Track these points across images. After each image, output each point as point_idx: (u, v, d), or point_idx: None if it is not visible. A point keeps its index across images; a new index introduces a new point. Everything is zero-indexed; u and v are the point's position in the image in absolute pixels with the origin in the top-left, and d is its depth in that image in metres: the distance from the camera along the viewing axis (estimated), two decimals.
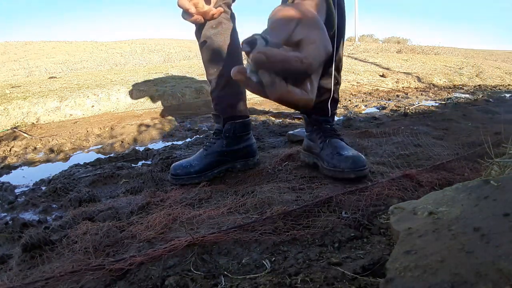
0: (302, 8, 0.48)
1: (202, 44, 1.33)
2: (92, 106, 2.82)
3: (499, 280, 0.31)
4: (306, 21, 0.46)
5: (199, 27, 1.30)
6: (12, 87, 3.14)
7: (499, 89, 4.15)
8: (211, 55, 1.33)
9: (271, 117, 2.52)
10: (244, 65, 0.45)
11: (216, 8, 1.02)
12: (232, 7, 1.36)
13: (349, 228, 0.86)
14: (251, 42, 0.43)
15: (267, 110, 2.82)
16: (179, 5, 0.96)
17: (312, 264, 0.72)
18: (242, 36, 1.39)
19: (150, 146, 1.95)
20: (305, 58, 0.41)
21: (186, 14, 0.98)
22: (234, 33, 1.34)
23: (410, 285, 0.36)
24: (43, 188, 1.34)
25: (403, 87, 4.18)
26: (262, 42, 0.44)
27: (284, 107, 2.92)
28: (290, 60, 0.40)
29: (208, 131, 2.21)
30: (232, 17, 1.34)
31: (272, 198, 1.04)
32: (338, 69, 1.30)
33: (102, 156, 1.72)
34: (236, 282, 0.68)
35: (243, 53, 1.40)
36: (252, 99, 3.30)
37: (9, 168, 1.65)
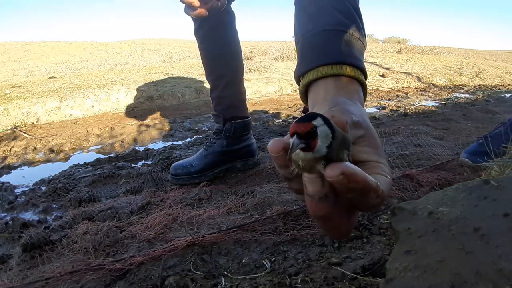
0: (365, 117, 0.42)
1: (201, 44, 1.33)
2: (92, 106, 2.82)
3: (499, 280, 0.31)
4: (373, 140, 0.41)
5: (198, 26, 1.29)
6: (12, 87, 3.14)
7: (499, 89, 4.15)
8: (211, 55, 1.33)
9: (271, 117, 2.52)
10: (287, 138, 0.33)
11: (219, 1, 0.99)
12: (231, 6, 1.35)
13: None
14: (310, 135, 0.31)
15: (267, 110, 2.82)
16: (181, 0, 0.95)
17: (312, 264, 0.72)
18: (241, 34, 1.37)
19: (150, 146, 1.95)
20: (382, 193, 0.34)
21: (189, 8, 0.96)
22: (234, 33, 1.34)
23: (410, 285, 0.36)
24: (43, 188, 1.34)
25: (403, 87, 4.18)
26: (326, 132, 0.31)
27: (284, 107, 2.92)
28: (370, 188, 0.32)
29: (208, 131, 2.21)
30: (232, 16, 1.33)
31: (272, 198, 1.04)
32: None
33: (102, 156, 1.72)
34: (236, 282, 0.68)
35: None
36: (252, 99, 3.30)
37: (9, 168, 1.65)
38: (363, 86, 0.50)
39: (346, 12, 0.53)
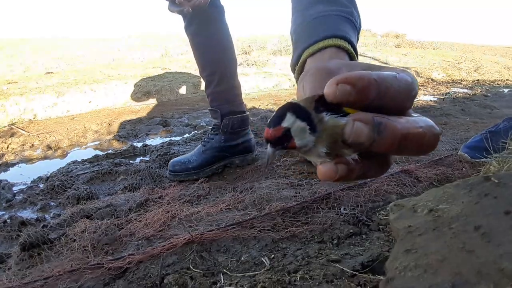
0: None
1: (192, 41, 1.31)
2: (90, 102, 2.80)
3: (500, 280, 0.31)
4: None
5: (188, 23, 1.28)
6: (9, 83, 3.11)
7: (497, 84, 4.14)
8: (202, 51, 1.31)
9: (269, 112, 2.51)
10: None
11: None
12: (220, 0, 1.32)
13: (347, 225, 0.85)
14: (283, 139, 0.26)
15: (265, 105, 2.81)
16: None
17: (311, 261, 0.72)
18: (232, 29, 1.35)
19: (148, 142, 1.94)
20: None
21: (173, 5, 0.95)
22: (224, 27, 1.32)
23: (410, 285, 0.36)
24: (41, 185, 1.33)
25: None
26: (301, 127, 0.26)
27: (282, 102, 2.92)
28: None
29: (206, 127, 2.20)
30: (221, 10, 1.30)
31: (271, 194, 1.04)
32: None
33: (100, 153, 1.71)
34: (235, 279, 0.68)
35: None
36: (250, 94, 3.28)
37: (7, 166, 1.64)
38: (351, 57, 0.49)
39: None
